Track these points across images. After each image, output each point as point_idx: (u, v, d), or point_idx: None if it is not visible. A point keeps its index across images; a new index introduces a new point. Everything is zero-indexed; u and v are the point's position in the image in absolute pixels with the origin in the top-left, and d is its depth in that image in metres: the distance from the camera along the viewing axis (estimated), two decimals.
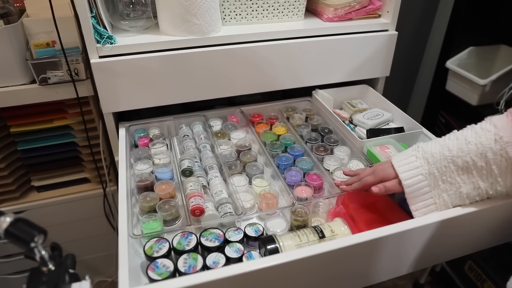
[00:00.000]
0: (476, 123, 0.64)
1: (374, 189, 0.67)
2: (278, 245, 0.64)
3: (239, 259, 0.66)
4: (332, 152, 0.92)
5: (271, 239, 0.65)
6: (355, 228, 0.68)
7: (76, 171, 1.16)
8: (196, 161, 0.87)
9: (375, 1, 1.08)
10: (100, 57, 0.86)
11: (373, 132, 0.96)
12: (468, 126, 0.64)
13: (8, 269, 1.19)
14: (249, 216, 0.77)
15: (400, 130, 0.97)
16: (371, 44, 1.06)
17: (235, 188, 0.79)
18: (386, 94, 1.14)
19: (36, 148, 1.06)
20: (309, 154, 0.91)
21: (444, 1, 1.71)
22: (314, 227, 0.67)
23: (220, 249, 0.67)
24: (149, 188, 0.79)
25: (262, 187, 0.81)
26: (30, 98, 0.96)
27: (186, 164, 0.83)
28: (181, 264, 0.63)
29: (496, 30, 1.55)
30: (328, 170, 0.87)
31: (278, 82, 1.03)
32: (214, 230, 0.70)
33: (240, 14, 1.00)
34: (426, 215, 0.63)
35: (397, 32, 1.07)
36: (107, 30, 0.86)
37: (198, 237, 0.68)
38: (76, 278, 0.54)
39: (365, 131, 0.99)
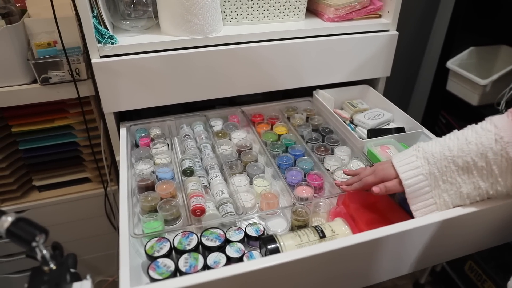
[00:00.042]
0: (476, 123, 0.64)
1: (375, 189, 0.67)
2: (278, 245, 0.64)
3: (240, 259, 0.66)
4: (332, 152, 0.92)
5: (271, 239, 0.65)
6: (356, 228, 0.68)
7: (77, 170, 1.16)
8: (197, 161, 0.87)
9: (376, 1, 1.08)
10: (101, 57, 0.86)
11: (373, 132, 0.96)
12: (469, 126, 0.64)
13: (9, 269, 1.19)
14: (249, 216, 0.77)
15: (400, 130, 0.97)
16: (372, 44, 1.06)
17: (236, 188, 0.79)
18: (387, 94, 1.14)
19: (37, 148, 1.07)
20: (309, 154, 0.91)
21: (444, 1, 1.71)
22: (315, 227, 0.67)
23: (221, 248, 0.67)
24: (150, 187, 0.79)
25: (262, 187, 0.81)
26: (31, 98, 0.96)
27: (187, 164, 0.83)
28: (182, 263, 0.63)
29: (496, 30, 1.55)
30: (329, 170, 0.87)
31: (279, 82, 1.03)
32: (215, 230, 0.70)
33: (241, 14, 1.00)
34: (426, 215, 0.63)
35: (397, 32, 1.07)
36: (108, 30, 0.86)
37: (199, 237, 0.69)
38: (77, 278, 0.54)
39: (365, 131, 0.99)
